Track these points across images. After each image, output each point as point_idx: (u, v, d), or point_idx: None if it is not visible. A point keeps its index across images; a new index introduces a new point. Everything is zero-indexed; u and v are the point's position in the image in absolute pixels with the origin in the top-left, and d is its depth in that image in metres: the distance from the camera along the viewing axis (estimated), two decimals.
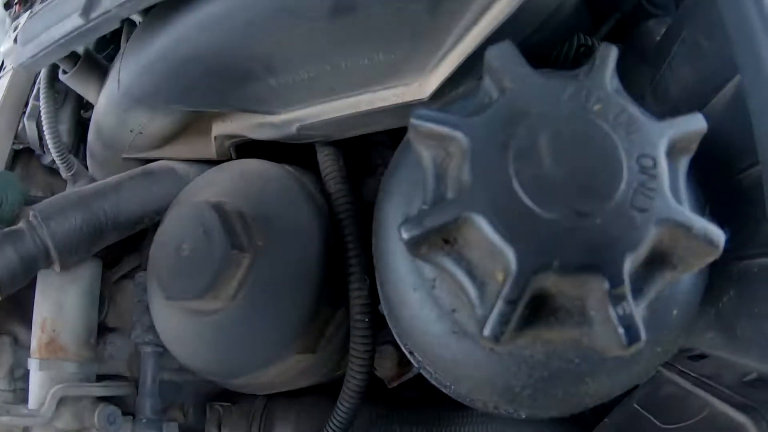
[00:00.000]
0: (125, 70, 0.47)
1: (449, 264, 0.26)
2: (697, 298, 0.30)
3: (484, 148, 0.24)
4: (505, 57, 0.27)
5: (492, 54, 0.27)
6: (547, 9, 0.36)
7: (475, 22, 0.38)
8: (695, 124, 0.24)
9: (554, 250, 0.22)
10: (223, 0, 0.38)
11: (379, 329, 0.46)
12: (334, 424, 0.47)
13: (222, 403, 0.58)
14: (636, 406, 0.38)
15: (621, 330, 0.20)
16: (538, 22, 0.37)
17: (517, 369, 0.28)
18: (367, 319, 0.45)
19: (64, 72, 0.50)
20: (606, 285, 0.20)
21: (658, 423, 0.36)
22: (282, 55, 0.42)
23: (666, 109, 0.40)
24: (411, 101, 0.44)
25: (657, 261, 0.23)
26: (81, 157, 0.62)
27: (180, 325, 0.47)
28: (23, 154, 0.62)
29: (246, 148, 0.55)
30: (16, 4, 0.65)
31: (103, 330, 0.60)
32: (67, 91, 0.57)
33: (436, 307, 0.30)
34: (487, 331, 0.22)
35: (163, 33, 0.43)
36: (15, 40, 0.49)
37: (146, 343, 0.56)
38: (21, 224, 0.47)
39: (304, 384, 0.50)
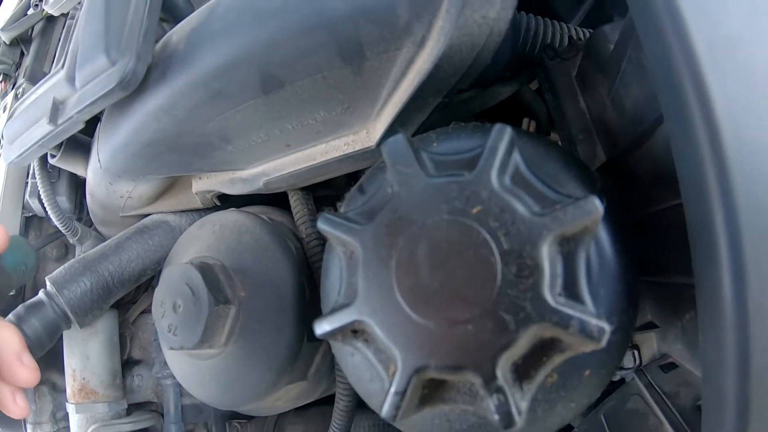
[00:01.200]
0: (102, 152, 0.51)
1: (362, 347, 0.29)
2: (620, 354, 0.29)
3: (372, 256, 0.26)
4: (394, 154, 0.28)
5: (385, 150, 0.28)
6: (467, 60, 0.37)
7: (403, 74, 0.39)
8: (587, 212, 0.23)
9: (430, 354, 0.24)
10: (166, 93, 0.41)
11: None
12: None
13: (240, 421, 0.65)
14: (602, 417, 0.40)
15: (496, 417, 0.22)
16: (463, 68, 0.39)
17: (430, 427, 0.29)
18: None
19: (53, 156, 0.55)
20: (479, 380, 0.22)
21: None
22: (232, 128, 0.44)
23: (625, 122, 0.39)
24: (361, 149, 0.46)
25: (545, 347, 0.24)
26: (85, 212, 0.68)
27: (186, 366, 0.53)
28: (33, 220, 0.68)
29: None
30: (1, 81, 0.69)
31: (130, 363, 0.67)
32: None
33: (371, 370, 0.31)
34: (383, 412, 0.26)
35: (125, 121, 0.46)
36: (1, 137, 0.54)
37: (166, 377, 0.63)
38: (41, 295, 0.53)
39: (303, 403, 0.56)
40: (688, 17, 0.21)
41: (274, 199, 0.56)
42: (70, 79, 0.43)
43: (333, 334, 0.27)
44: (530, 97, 0.62)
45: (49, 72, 0.68)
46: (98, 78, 0.40)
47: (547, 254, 0.24)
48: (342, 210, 0.32)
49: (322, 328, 0.27)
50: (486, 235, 0.24)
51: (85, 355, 0.58)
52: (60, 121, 0.43)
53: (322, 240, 0.51)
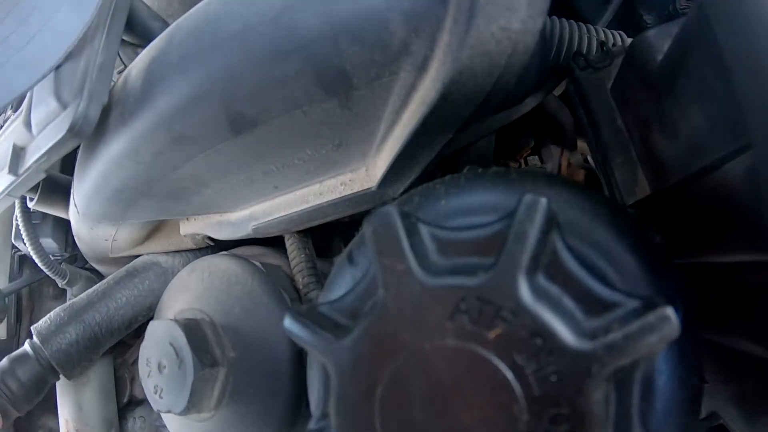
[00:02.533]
0: (77, 197, 0.45)
1: None
2: None
3: (350, 387, 0.18)
4: (380, 240, 0.19)
5: (367, 231, 0.19)
6: (484, 87, 0.29)
7: (404, 103, 0.31)
8: (656, 332, 0.15)
9: None
10: (127, 138, 0.34)
11: None
12: None
13: None
14: None
15: None
16: (478, 98, 0.30)
17: None
18: None
19: (30, 199, 0.50)
20: None
21: None
22: (206, 172, 0.37)
23: (679, 149, 0.30)
24: (360, 191, 0.39)
25: None
26: (77, 248, 0.64)
27: (178, 426, 0.48)
28: (27, 258, 0.64)
29: None
30: None
31: (132, 404, 0.63)
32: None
33: None
34: None
35: (92, 167, 0.39)
36: None
37: (164, 426, 0.59)
38: (26, 347, 0.49)
39: None
40: None
41: (273, 238, 0.50)
42: (27, 123, 0.37)
43: None
44: (555, 106, 0.53)
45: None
46: (52, 123, 0.34)
47: (595, 399, 0.16)
48: (322, 293, 0.25)
49: None
50: (507, 373, 0.16)
51: (78, 405, 0.54)
52: (21, 171, 0.37)
53: (320, 288, 0.45)
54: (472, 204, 0.23)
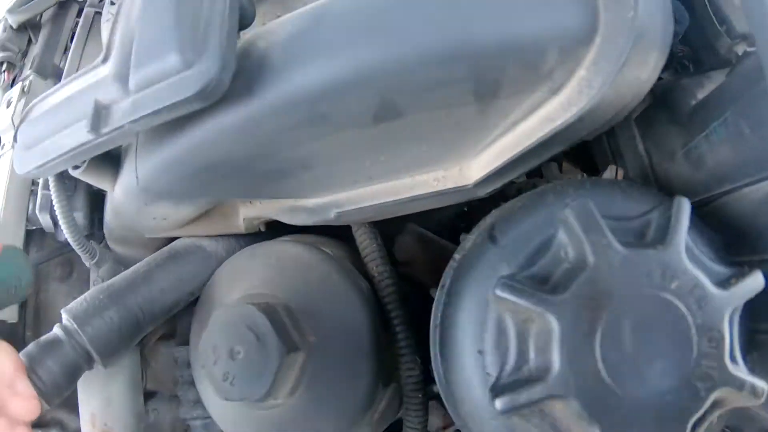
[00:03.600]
0: (142, 167, 0.40)
1: (535, 419, 0.28)
2: None
3: (573, 331, 0.24)
4: (585, 223, 0.26)
5: (571, 216, 0.26)
6: (607, 117, 0.33)
7: (524, 117, 0.35)
8: (755, 285, 0.26)
9: (629, 425, 0.25)
10: (251, 110, 0.32)
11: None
12: None
13: None
14: None
15: None
16: (599, 125, 0.35)
17: None
18: (420, 395, 0.45)
19: (75, 167, 0.44)
20: None
21: None
22: (318, 155, 0.36)
23: (702, 177, 0.37)
24: (453, 188, 0.41)
25: (715, 405, 0.26)
26: (97, 226, 0.57)
27: (237, 416, 0.45)
28: (35, 234, 0.56)
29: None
30: (3, 71, 0.56)
31: (145, 396, 0.58)
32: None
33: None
34: None
35: (182, 137, 0.36)
36: (14, 139, 0.43)
37: (195, 418, 0.55)
38: (57, 332, 0.44)
39: None
40: None
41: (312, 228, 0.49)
42: (121, 78, 0.33)
43: (517, 410, 0.26)
44: None
45: (60, 64, 0.56)
46: (166, 82, 0.31)
47: (728, 326, 0.26)
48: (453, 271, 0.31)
49: (505, 404, 0.26)
50: (684, 310, 0.26)
51: (107, 398, 0.48)
52: (105, 130, 0.33)
53: (394, 280, 0.46)
54: (619, 207, 0.28)
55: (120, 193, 0.45)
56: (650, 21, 0.29)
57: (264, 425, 0.43)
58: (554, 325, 0.25)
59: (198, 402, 0.52)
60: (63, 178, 0.47)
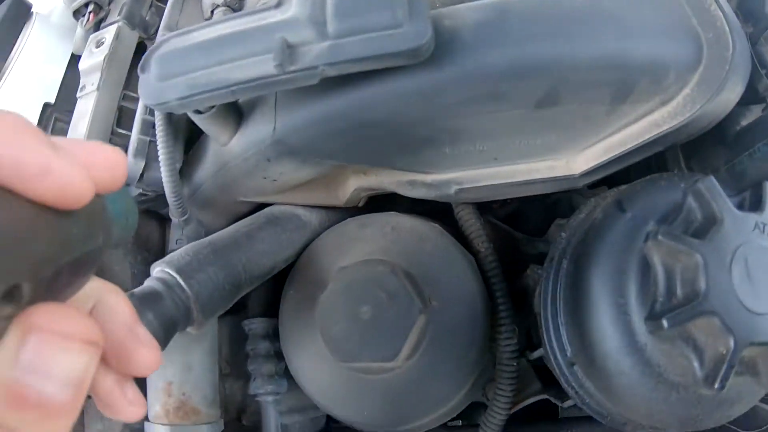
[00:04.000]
0: (284, 119, 0.40)
1: (679, 340, 0.35)
2: None
3: (712, 265, 0.34)
4: (713, 192, 0.36)
5: (704, 187, 0.36)
6: (700, 126, 0.44)
7: (634, 122, 0.44)
8: None
9: (753, 334, 0.33)
10: (437, 78, 0.36)
11: None
12: None
13: None
14: None
15: None
16: (693, 133, 0.43)
17: (699, 404, 0.37)
18: (515, 363, 0.49)
19: (198, 112, 0.43)
20: None
21: (740, 430, 0.48)
22: (473, 130, 0.41)
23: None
24: (561, 176, 0.48)
25: None
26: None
27: (340, 382, 0.45)
28: None
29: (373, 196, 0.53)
30: (90, 12, 0.52)
31: None
32: (177, 125, 0.48)
33: (644, 366, 0.37)
34: (717, 384, 0.33)
35: (342, 93, 0.38)
36: (142, 69, 0.40)
37: (267, 393, 0.52)
38: (155, 285, 0.40)
39: (445, 420, 0.51)
40: None
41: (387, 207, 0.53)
42: (316, 23, 0.34)
43: (681, 324, 0.33)
44: None
45: (147, 18, 0.55)
46: (376, 34, 0.33)
47: None
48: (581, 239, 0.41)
49: (670, 320, 0.33)
50: None
51: (187, 366, 0.44)
52: (292, 68, 0.34)
53: (496, 256, 0.51)
54: None
55: (240, 145, 0.45)
56: (740, 60, 0.40)
57: (371, 390, 0.44)
58: (700, 261, 0.33)
59: (272, 376, 0.50)
60: (170, 125, 0.45)
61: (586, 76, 0.38)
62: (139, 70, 0.39)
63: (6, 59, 0.58)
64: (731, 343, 0.33)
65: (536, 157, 0.47)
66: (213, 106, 0.42)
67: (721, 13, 0.39)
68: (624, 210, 0.40)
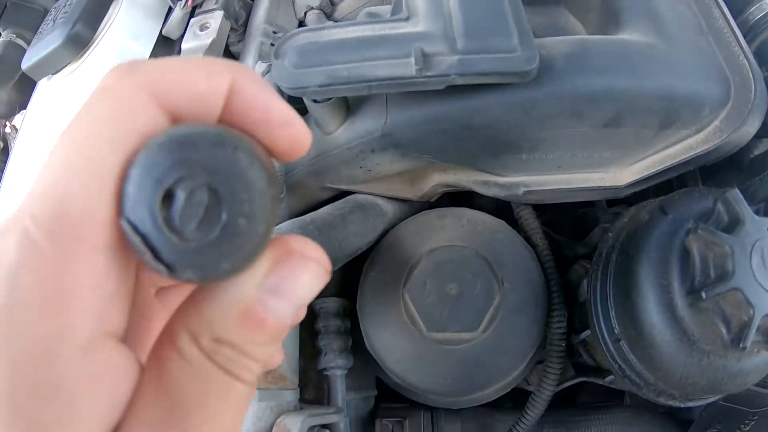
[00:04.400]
0: (395, 115, 0.47)
1: (711, 312, 0.44)
2: None
3: (738, 254, 0.42)
4: (737, 200, 0.45)
5: (730, 196, 0.45)
6: (723, 151, 0.55)
7: (672, 144, 0.55)
8: None
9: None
10: (536, 94, 0.45)
11: None
12: (521, 428, 0.57)
13: (390, 419, 0.62)
14: (721, 402, 0.60)
15: None
16: (718, 157, 0.55)
17: (725, 369, 0.45)
18: (563, 345, 0.57)
19: (314, 101, 0.49)
20: None
21: (745, 409, 0.58)
22: (549, 142, 0.50)
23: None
24: (609, 186, 0.58)
25: None
26: None
27: (420, 353, 0.51)
28: None
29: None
30: None
31: None
32: None
33: (682, 335, 0.45)
34: (741, 344, 0.42)
35: (455, 98, 0.45)
36: (276, 56, 0.45)
37: (337, 367, 0.56)
38: None
39: (497, 396, 0.58)
40: None
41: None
42: (448, 39, 0.42)
43: (719, 296, 0.42)
44: None
45: (237, 7, 0.59)
46: (496, 55, 0.41)
47: None
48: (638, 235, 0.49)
49: (708, 292, 0.42)
50: None
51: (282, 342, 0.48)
52: (428, 73, 0.40)
53: (550, 250, 0.59)
54: None
55: (346, 135, 0.51)
56: (760, 101, 0.51)
57: (447, 360, 0.50)
58: (728, 250, 0.42)
59: (342, 352, 0.55)
60: None
61: (644, 105, 0.48)
62: (273, 57, 0.45)
63: (95, 32, 0.61)
64: (751, 312, 0.42)
65: (591, 169, 0.56)
66: (331, 98, 0.48)
67: (746, 62, 0.50)
68: (666, 213, 0.50)
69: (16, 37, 0.90)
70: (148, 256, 0.15)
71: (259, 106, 0.16)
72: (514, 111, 0.46)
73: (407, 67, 0.41)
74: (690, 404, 0.53)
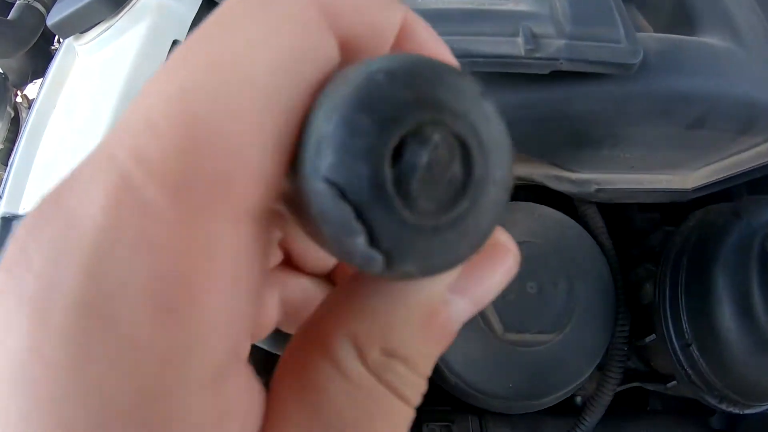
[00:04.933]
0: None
1: None
2: None
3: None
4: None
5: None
6: None
7: (743, 150, 0.56)
8: None
9: None
10: (632, 88, 0.45)
11: None
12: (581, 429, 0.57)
13: (438, 423, 0.60)
14: None
15: None
16: None
17: None
18: (625, 348, 0.57)
19: None
20: None
21: None
22: (631, 139, 0.50)
23: None
24: (676, 188, 0.59)
25: None
26: None
27: (489, 355, 0.50)
28: None
29: None
30: None
31: None
32: None
33: (763, 343, 0.46)
34: None
35: (552, 85, 0.45)
36: None
37: None
38: None
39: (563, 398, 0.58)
40: None
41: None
42: (556, 23, 0.42)
43: None
44: None
45: None
46: (603, 44, 0.41)
47: None
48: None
49: None
50: None
51: None
52: (537, 54, 0.40)
53: (615, 251, 0.59)
54: None
55: None
56: None
57: (521, 365, 0.49)
58: None
59: None
60: None
61: (728, 109, 0.49)
62: None
63: None
64: None
65: (661, 170, 0.57)
66: None
67: None
68: (741, 217, 0.50)
69: (35, 0, 0.84)
70: (358, 238, 0.10)
71: (430, 53, 0.13)
72: (608, 104, 0.46)
73: (514, 46, 0.40)
74: (749, 411, 0.53)
